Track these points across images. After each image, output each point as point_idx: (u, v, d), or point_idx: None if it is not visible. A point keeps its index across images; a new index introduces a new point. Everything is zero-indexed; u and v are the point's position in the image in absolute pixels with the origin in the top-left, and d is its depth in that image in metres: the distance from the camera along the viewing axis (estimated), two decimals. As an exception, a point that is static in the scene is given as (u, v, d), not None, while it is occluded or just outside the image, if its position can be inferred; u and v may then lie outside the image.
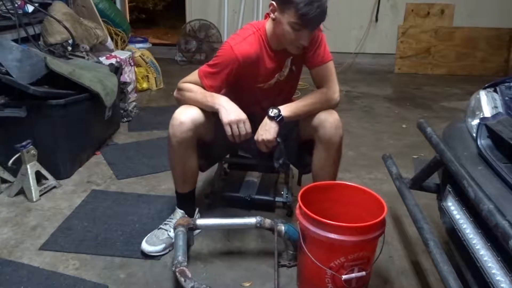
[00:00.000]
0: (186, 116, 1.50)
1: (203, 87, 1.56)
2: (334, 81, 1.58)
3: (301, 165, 1.77)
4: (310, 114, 1.53)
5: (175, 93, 1.64)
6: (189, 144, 1.54)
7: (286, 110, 1.51)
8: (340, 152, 1.57)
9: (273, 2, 1.44)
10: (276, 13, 1.45)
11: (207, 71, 1.56)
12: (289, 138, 1.67)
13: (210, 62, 1.56)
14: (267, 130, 1.50)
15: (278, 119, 1.49)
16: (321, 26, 1.55)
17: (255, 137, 1.53)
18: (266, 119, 1.51)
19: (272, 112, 1.50)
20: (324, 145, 1.53)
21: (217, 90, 1.57)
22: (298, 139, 1.66)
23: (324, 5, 1.37)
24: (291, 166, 1.98)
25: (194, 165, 1.62)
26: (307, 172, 1.73)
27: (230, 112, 1.48)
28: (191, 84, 1.58)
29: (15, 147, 1.92)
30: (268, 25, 1.53)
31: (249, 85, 1.62)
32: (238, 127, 1.48)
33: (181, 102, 1.59)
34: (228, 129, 1.48)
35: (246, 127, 1.48)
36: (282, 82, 1.66)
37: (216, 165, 2.05)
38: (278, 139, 1.52)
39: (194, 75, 1.59)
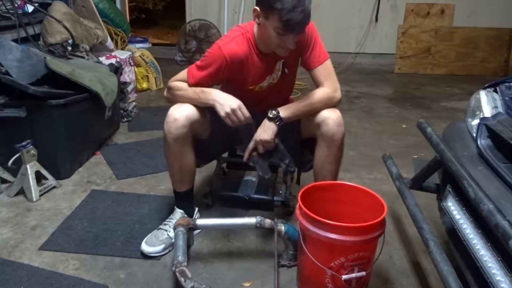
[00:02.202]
0: (181, 112, 1.51)
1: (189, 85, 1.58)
2: (334, 79, 1.58)
3: (301, 163, 1.77)
4: (310, 114, 1.53)
5: (165, 93, 1.65)
6: (185, 140, 1.54)
7: (285, 111, 1.51)
8: (341, 150, 1.58)
9: (257, 8, 1.43)
10: (260, 19, 1.44)
11: (196, 72, 1.56)
12: (290, 136, 1.67)
13: (198, 63, 1.57)
14: (266, 131, 1.51)
15: (276, 120, 1.50)
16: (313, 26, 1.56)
17: (254, 137, 1.54)
18: (265, 120, 1.52)
19: (271, 113, 1.51)
20: (326, 142, 1.53)
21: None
22: (299, 136, 1.66)
23: (307, 9, 1.36)
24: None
25: (191, 162, 1.62)
26: (307, 170, 1.73)
27: (224, 103, 1.48)
28: (180, 83, 1.59)
29: (15, 147, 1.92)
30: (255, 29, 1.53)
31: (241, 88, 1.62)
32: (236, 116, 1.48)
33: (172, 101, 1.59)
34: (228, 121, 1.49)
35: (244, 111, 1.48)
36: (277, 85, 1.67)
37: (215, 165, 2.06)
38: (276, 140, 1.52)
39: (183, 74, 1.60)
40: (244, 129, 1.55)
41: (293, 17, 1.34)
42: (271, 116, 1.50)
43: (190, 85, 1.56)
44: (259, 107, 1.69)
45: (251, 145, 1.56)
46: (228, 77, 1.57)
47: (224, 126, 1.69)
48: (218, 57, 1.51)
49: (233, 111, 1.47)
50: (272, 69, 1.61)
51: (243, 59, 1.54)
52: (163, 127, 1.53)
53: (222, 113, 1.48)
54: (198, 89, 1.54)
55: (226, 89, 1.64)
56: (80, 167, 2.34)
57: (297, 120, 1.61)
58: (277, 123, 1.50)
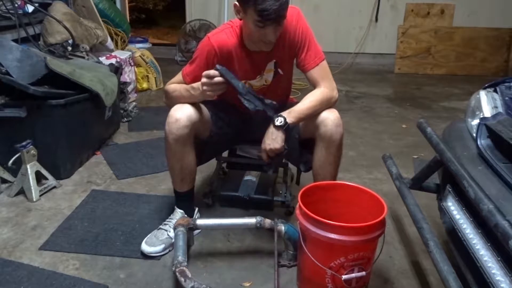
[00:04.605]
0: (182, 113, 1.51)
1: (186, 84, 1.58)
2: (330, 79, 1.58)
3: (301, 164, 1.78)
4: (312, 116, 1.53)
5: (164, 98, 1.66)
6: (186, 141, 1.54)
7: (290, 117, 1.49)
8: (340, 150, 1.57)
9: (236, 3, 1.44)
10: (241, 14, 1.45)
11: (188, 68, 1.59)
12: (290, 137, 1.67)
13: (191, 59, 1.59)
14: (274, 140, 1.48)
15: (284, 128, 1.48)
16: (307, 24, 1.56)
17: (263, 147, 1.51)
18: (272, 128, 1.48)
19: (278, 121, 1.48)
20: (325, 143, 1.53)
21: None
22: (299, 137, 1.66)
23: None
24: (290, 165, 1.98)
25: (192, 162, 1.62)
26: (307, 171, 1.73)
27: (200, 87, 1.47)
28: (173, 85, 1.61)
29: (15, 147, 1.92)
30: (242, 26, 1.54)
31: None
32: (210, 83, 1.44)
33: (170, 105, 1.59)
34: (210, 94, 1.47)
35: (209, 73, 1.44)
36: (271, 86, 1.67)
37: (215, 165, 2.06)
38: (286, 147, 1.50)
39: (179, 75, 1.62)
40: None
41: (268, 6, 1.33)
42: (278, 124, 1.47)
43: (187, 84, 1.57)
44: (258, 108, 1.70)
45: (263, 155, 1.53)
46: None
47: (225, 124, 1.69)
48: (207, 46, 1.54)
49: (203, 83, 1.45)
50: (262, 68, 1.61)
51: (231, 50, 1.55)
52: (165, 128, 1.53)
53: (207, 93, 1.46)
54: (189, 86, 1.54)
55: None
56: (80, 167, 2.34)
57: None
58: (285, 130, 1.49)
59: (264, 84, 1.66)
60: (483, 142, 1.28)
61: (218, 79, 1.44)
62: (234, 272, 1.55)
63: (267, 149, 1.50)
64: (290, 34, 1.55)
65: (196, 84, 1.51)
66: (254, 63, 1.59)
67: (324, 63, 1.58)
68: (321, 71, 1.57)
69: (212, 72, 1.44)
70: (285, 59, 1.62)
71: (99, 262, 1.58)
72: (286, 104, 1.73)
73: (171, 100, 1.60)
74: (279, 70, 1.64)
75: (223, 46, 1.53)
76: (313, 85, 1.60)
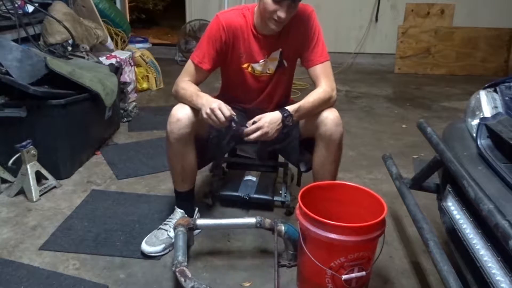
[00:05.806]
0: (183, 113, 1.51)
1: (195, 68, 1.60)
2: (331, 79, 1.60)
3: (301, 164, 1.78)
4: (312, 114, 1.54)
5: (173, 89, 1.66)
6: (187, 140, 1.55)
7: (295, 116, 1.51)
8: (340, 149, 1.58)
9: None
10: None
11: (196, 50, 1.61)
12: (290, 136, 1.67)
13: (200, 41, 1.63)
14: (277, 130, 1.48)
15: (288, 126, 1.51)
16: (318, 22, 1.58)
17: (261, 124, 1.46)
18: (280, 119, 1.48)
19: (287, 119, 1.48)
20: (325, 142, 1.53)
21: (209, 65, 1.59)
22: (299, 137, 1.66)
23: None
24: (290, 165, 1.98)
25: (193, 162, 1.62)
26: (307, 171, 1.73)
27: (206, 104, 1.47)
28: (185, 83, 1.61)
29: (15, 147, 1.92)
30: (256, 8, 1.57)
31: (236, 65, 1.64)
32: (216, 115, 1.43)
33: (176, 97, 1.62)
34: (209, 122, 1.47)
35: (224, 111, 1.43)
36: (274, 76, 1.68)
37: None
38: (275, 145, 1.51)
39: (188, 64, 1.63)
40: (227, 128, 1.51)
41: None
42: (286, 123, 1.49)
43: (195, 64, 1.60)
44: (258, 101, 1.70)
45: (252, 129, 1.48)
46: (226, 49, 1.60)
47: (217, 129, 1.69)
48: (215, 22, 1.58)
49: (212, 110, 1.43)
50: (267, 52, 1.62)
51: (238, 29, 1.58)
52: (166, 127, 1.54)
53: (204, 115, 1.46)
54: (194, 92, 1.55)
55: (224, 70, 1.70)
56: (80, 167, 2.34)
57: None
58: (285, 127, 1.51)
59: (267, 72, 1.66)
60: (483, 142, 1.28)
61: (221, 116, 1.42)
62: (234, 272, 1.55)
63: (264, 132, 1.45)
64: (301, 28, 1.58)
65: (202, 95, 1.52)
66: (260, 46, 1.61)
67: (328, 63, 1.61)
68: (324, 70, 1.59)
69: (227, 112, 1.43)
70: (291, 52, 1.63)
71: (99, 262, 1.58)
72: (286, 104, 1.73)
73: (177, 94, 1.61)
74: (284, 61, 1.65)
75: (231, 23, 1.57)
76: (314, 82, 1.61)
